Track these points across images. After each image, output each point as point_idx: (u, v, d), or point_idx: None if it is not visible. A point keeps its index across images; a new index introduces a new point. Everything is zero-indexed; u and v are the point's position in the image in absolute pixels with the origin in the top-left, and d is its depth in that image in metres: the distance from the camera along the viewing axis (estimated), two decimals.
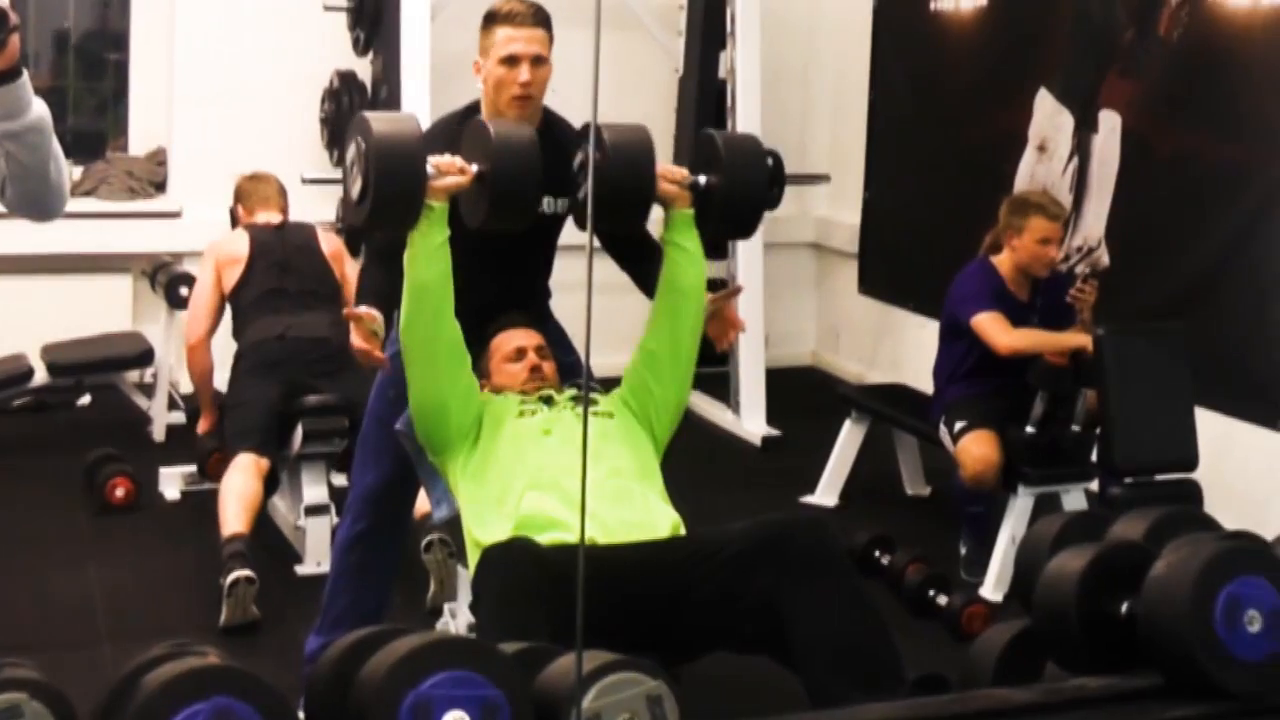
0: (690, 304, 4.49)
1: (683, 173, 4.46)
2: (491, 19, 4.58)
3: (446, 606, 4.80)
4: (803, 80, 10.04)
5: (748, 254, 8.41)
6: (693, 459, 4.74)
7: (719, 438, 8.38)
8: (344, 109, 8.49)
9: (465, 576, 4.28)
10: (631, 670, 2.51)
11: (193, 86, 8.85)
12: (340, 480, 6.31)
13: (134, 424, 7.87)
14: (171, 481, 6.98)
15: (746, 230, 4.72)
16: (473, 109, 4.67)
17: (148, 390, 7.99)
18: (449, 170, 4.16)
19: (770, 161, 8.43)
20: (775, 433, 8.21)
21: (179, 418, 7.87)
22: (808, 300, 10.17)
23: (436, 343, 4.25)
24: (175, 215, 8.85)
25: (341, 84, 8.57)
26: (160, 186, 9.04)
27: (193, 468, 6.91)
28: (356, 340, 4.31)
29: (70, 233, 7.39)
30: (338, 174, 8.32)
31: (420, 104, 7.83)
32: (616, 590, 3.74)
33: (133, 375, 8.13)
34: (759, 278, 8.46)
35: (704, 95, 8.92)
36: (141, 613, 5.71)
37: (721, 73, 8.86)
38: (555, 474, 4.11)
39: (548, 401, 4.41)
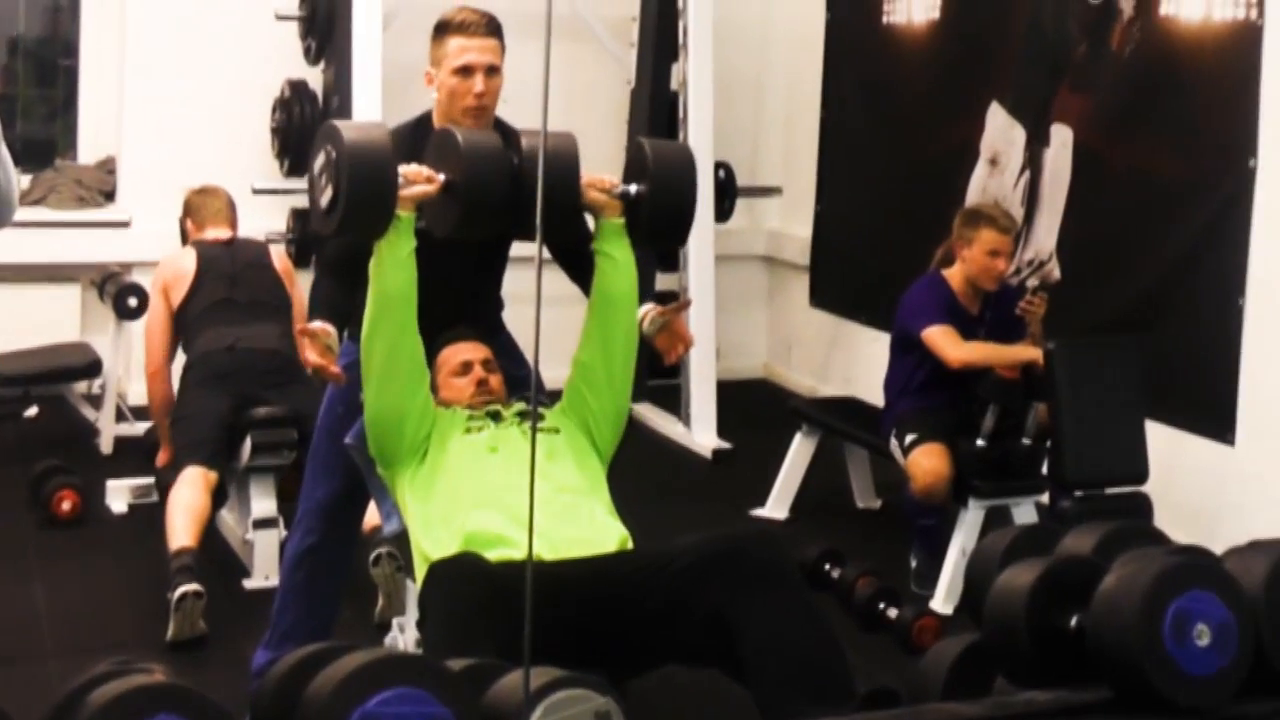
0: (621, 314, 4.45)
1: (611, 181, 4.42)
2: (444, 29, 4.57)
3: (395, 621, 4.77)
4: (755, 93, 10.05)
5: (699, 266, 8.44)
6: (643, 471, 4.74)
7: (670, 450, 8.37)
8: (295, 119, 8.46)
9: (414, 591, 4.26)
10: (580, 687, 2.50)
11: (143, 95, 8.81)
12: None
13: (81, 436, 7.82)
14: (119, 494, 6.93)
15: (677, 239, 4.65)
16: (424, 120, 4.66)
17: (95, 401, 7.94)
18: (416, 179, 4.15)
19: (721, 174, 8.50)
20: (726, 445, 8.21)
21: (127, 429, 7.81)
22: (759, 313, 10.17)
23: (399, 354, 4.24)
24: (124, 225, 8.81)
25: (293, 93, 8.54)
26: (110, 196, 9.00)
27: (141, 481, 6.86)
28: (311, 356, 4.28)
29: (18, 242, 7.34)
30: (288, 184, 8.35)
31: (372, 114, 7.81)
32: (565, 605, 3.73)
33: (80, 386, 8.08)
34: (710, 290, 8.48)
35: (656, 107, 8.96)
36: (88, 628, 5.66)
37: (674, 85, 8.89)
38: (501, 492, 4.10)
39: (495, 417, 4.40)
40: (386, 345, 4.22)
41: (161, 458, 6.64)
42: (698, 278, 8.42)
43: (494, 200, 4.16)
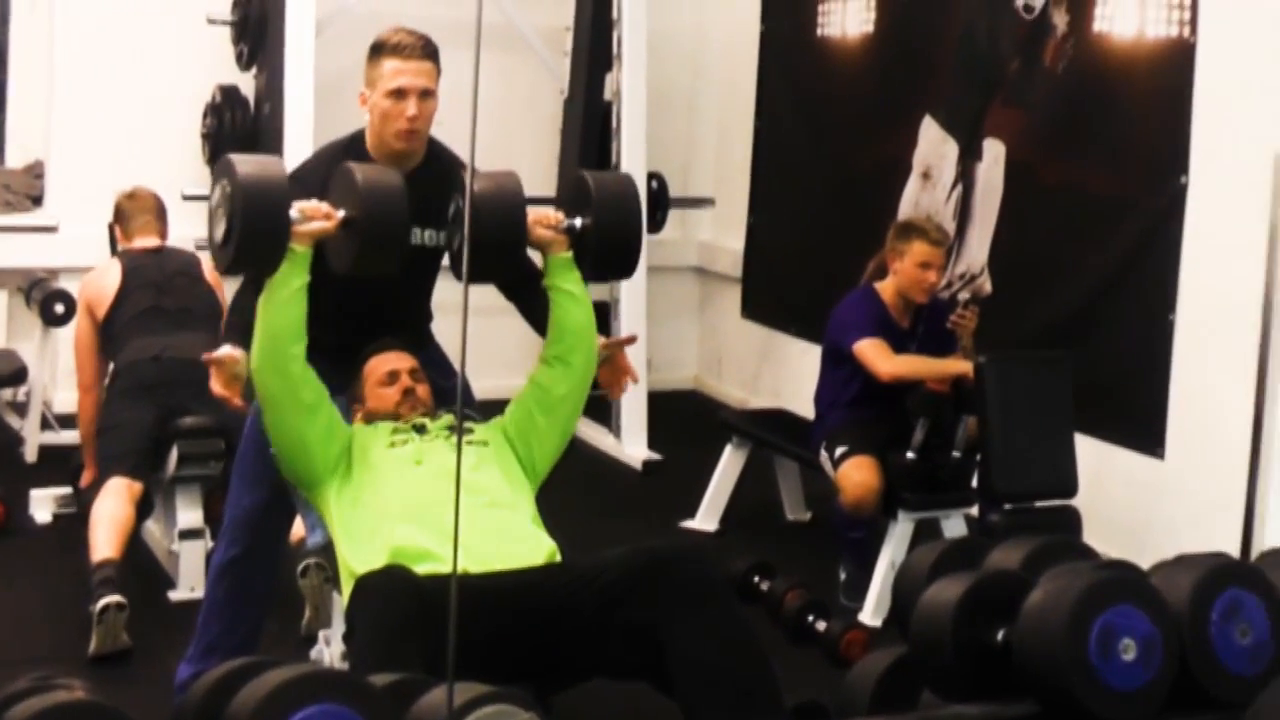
0: (581, 345, 4.49)
1: (557, 217, 4.46)
2: (379, 50, 4.55)
3: (321, 634, 4.74)
4: (689, 104, 10.05)
5: (631, 277, 8.40)
6: (573, 483, 4.73)
7: (600, 461, 8.36)
8: (226, 124, 8.42)
9: (340, 603, 4.23)
10: (504, 702, 2.49)
11: (72, 99, 8.75)
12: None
13: (5, 444, 7.76)
14: (43, 504, 6.87)
15: (625, 270, 4.67)
16: (356, 140, 4.64)
17: (20, 409, 7.88)
18: (315, 215, 4.14)
19: (654, 185, 8.50)
20: (656, 457, 8.20)
21: (53, 438, 7.75)
22: (690, 324, 10.17)
23: (289, 385, 4.22)
24: (52, 230, 8.73)
25: (224, 99, 8.49)
26: (37, 200, 8.93)
27: (65, 490, 6.81)
28: (215, 385, 4.28)
29: None
30: None
31: (304, 120, 7.79)
32: (492, 618, 3.72)
33: (5, 394, 8.02)
34: (642, 301, 8.49)
35: (589, 117, 8.93)
36: (9, 641, 5.59)
37: (607, 95, 8.87)
38: (427, 505, 4.08)
39: (420, 430, 4.39)
40: (276, 378, 4.21)
41: (86, 478, 6.56)
42: (629, 288, 8.42)
43: (391, 239, 4.16)
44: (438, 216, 4.57)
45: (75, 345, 6.66)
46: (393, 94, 4.48)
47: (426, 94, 4.51)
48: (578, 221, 4.44)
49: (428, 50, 4.55)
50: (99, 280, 6.56)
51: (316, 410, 4.26)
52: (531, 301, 4.66)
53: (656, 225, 8.89)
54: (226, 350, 4.32)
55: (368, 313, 4.61)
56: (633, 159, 8.52)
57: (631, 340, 5.01)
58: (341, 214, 4.14)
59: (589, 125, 8.93)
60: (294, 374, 4.20)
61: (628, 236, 4.52)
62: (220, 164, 4.14)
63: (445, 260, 4.68)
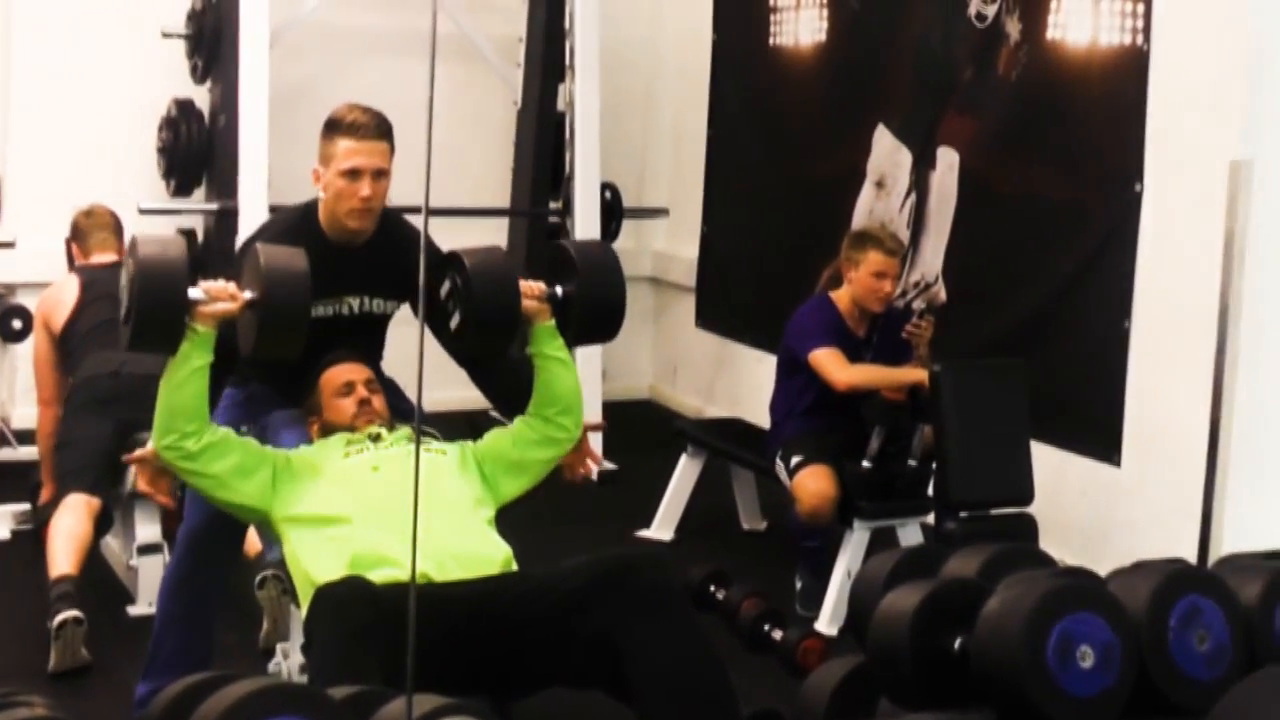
0: (572, 408, 4.60)
1: (540, 287, 4.52)
2: (333, 128, 4.56)
3: (279, 646, 4.74)
4: (642, 113, 10.08)
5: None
6: (529, 491, 4.74)
7: (554, 470, 8.31)
8: (182, 138, 8.40)
9: (298, 616, 4.23)
10: (463, 714, 2.49)
11: (27, 113, 8.72)
12: None
13: None
14: (1, 521, 6.85)
15: (608, 334, 4.77)
16: (310, 210, 4.66)
17: None
18: (219, 296, 4.14)
19: (608, 195, 8.53)
20: (611, 466, 8.20)
21: (10, 454, 7.72)
22: (645, 334, 10.17)
23: (191, 464, 4.23)
24: (9, 245, 8.67)
25: (179, 112, 8.47)
26: None
27: (23, 506, 6.79)
28: (141, 484, 4.30)
29: None
30: (175, 204, 8.32)
31: (259, 132, 7.78)
32: (450, 628, 3.73)
33: None
34: None
35: (543, 128, 8.95)
36: None
37: (561, 105, 8.88)
38: (385, 510, 4.10)
39: (376, 439, 4.40)
40: (177, 456, 4.23)
41: (44, 494, 6.53)
42: None
43: (291, 324, 4.17)
44: (388, 285, 4.67)
45: (34, 361, 6.64)
46: (347, 174, 4.50)
47: (380, 173, 4.54)
48: (559, 289, 4.53)
49: (382, 129, 4.56)
50: (56, 295, 6.54)
51: (224, 458, 4.25)
52: (489, 378, 4.81)
53: (611, 235, 8.90)
54: (149, 448, 4.33)
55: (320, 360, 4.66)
56: (586, 169, 8.53)
57: (600, 426, 5.06)
58: (247, 295, 4.15)
59: (543, 136, 8.95)
60: (189, 446, 4.20)
61: (611, 303, 4.64)
62: (130, 242, 4.17)
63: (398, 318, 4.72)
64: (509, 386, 4.73)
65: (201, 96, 8.55)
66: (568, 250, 4.64)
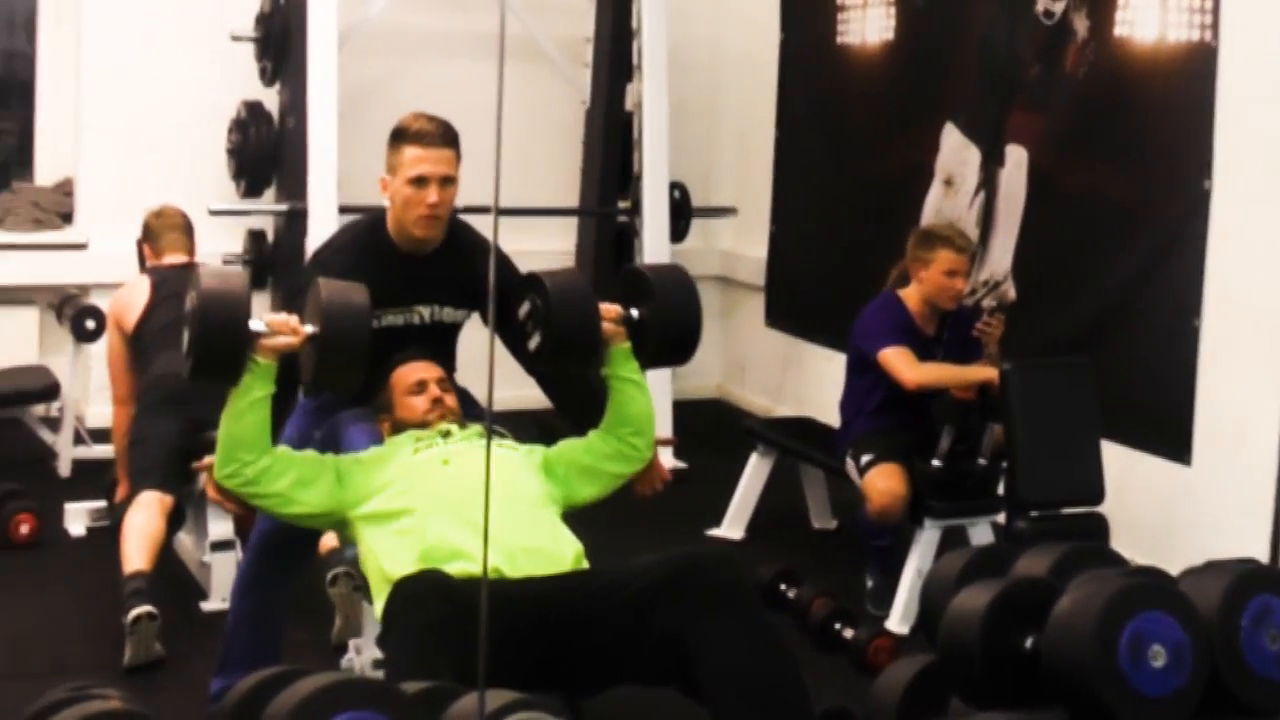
0: (645, 430, 4.59)
1: (617, 310, 4.51)
2: (400, 137, 4.59)
3: (351, 642, 4.76)
4: (710, 113, 10.07)
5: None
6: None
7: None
8: (251, 139, 8.45)
9: (369, 611, 4.25)
10: (535, 709, 2.50)
11: (100, 117, 8.79)
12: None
13: (39, 459, 7.79)
14: (77, 518, 6.91)
15: (684, 357, 4.76)
16: (378, 221, 4.69)
17: (53, 424, 7.91)
18: (281, 329, 4.15)
19: (676, 194, 8.53)
20: (682, 465, 8.19)
21: (85, 452, 7.78)
22: (714, 333, 10.11)
23: (252, 490, 4.25)
24: (82, 247, 8.78)
25: (249, 114, 8.52)
26: (67, 218, 8.97)
27: (99, 504, 6.84)
28: (210, 492, 4.32)
29: None
30: (244, 205, 8.37)
31: (327, 133, 7.82)
32: (522, 624, 3.74)
33: (38, 409, 8.05)
34: None
35: (611, 128, 8.97)
36: (45, 652, 5.63)
37: (628, 105, 8.89)
38: (457, 502, 4.11)
39: (446, 436, 4.41)
40: (238, 484, 4.24)
41: (120, 492, 6.58)
42: None
43: (349, 360, 4.17)
44: (458, 293, 4.72)
45: (108, 361, 6.69)
46: (413, 181, 4.53)
47: (447, 180, 4.57)
48: (635, 312, 4.53)
49: (448, 137, 4.59)
50: (127, 295, 6.59)
51: (283, 476, 4.25)
52: (561, 392, 4.92)
53: (679, 235, 8.93)
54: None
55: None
56: (655, 169, 8.55)
57: (671, 441, 5.06)
58: (308, 329, 4.16)
59: (611, 135, 8.96)
60: (251, 476, 4.22)
61: (687, 327, 4.64)
62: (194, 275, 4.17)
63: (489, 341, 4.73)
64: (580, 401, 4.75)
65: (270, 98, 8.59)
66: (643, 274, 4.65)
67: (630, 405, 4.54)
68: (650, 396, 4.62)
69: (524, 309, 4.46)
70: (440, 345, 4.81)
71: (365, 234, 4.69)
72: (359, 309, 4.17)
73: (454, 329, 4.83)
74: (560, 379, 4.83)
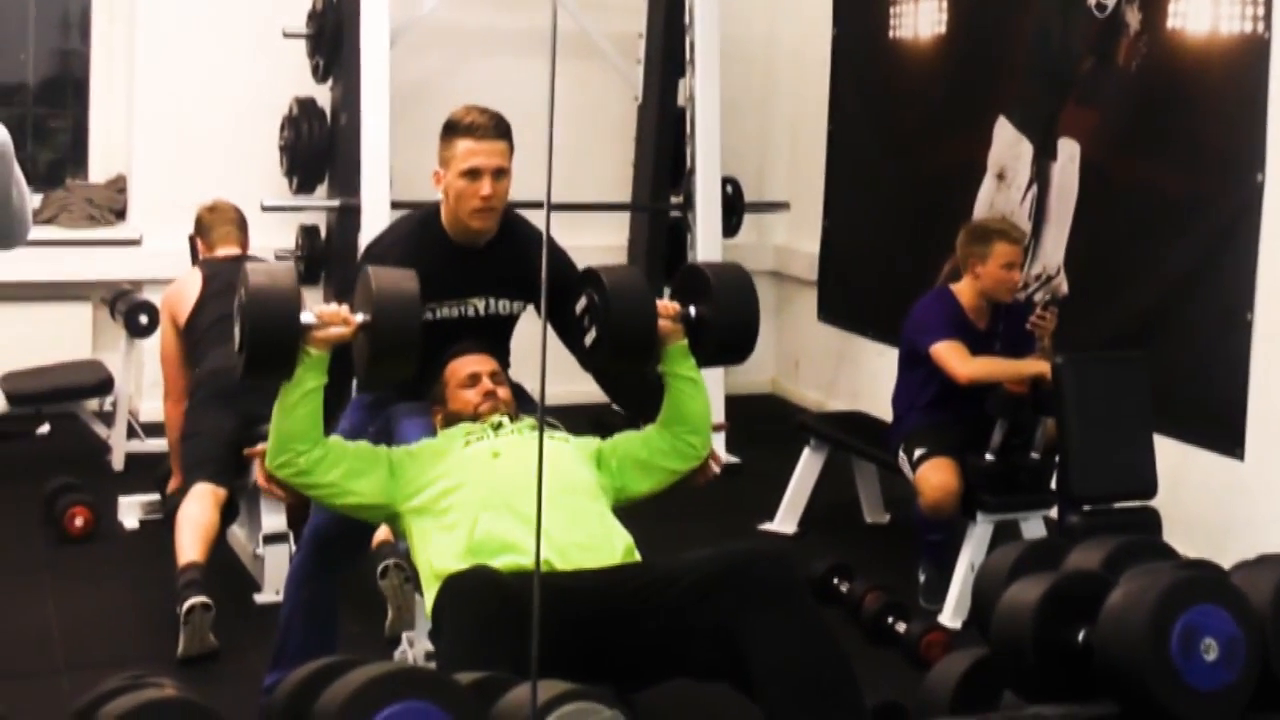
0: (701, 428, 4.56)
1: (674, 307, 4.50)
2: (452, 130, 4.60)
3: (404, 635, 4.78)
4: (762, 108, 10.07)
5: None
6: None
7: None
8: (303, 136, 8.49)
9: (421, 604, 4.27)
10: (588, 700, 2.51)
11: (153, 113, 8.84)
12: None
13: (93, 453, 7.84)
14: (131, 511, 6.96)
15: (742, 355, 4.71)
16: (432, 214, 4.71)
17: (107, 419, 7.95)
18: (332, 320, 4.15)
19: (729, 189, 8.53)
20: (734, 460, 8.19)
21: (139, 446, 7.83)
22: (767, 328, 9.93)
23: (305, 480, 4.24)
24: (135, 243, 8.83)
25: (301, 111, 8.56)
26: (120, 214, 9.02)
27: (152, 497, 6.89)
28: (261, 480, 4.33)
29: (30, 260, 7.35)
30: (297, 201, 8.40)
31: (380, 129, 7.84)
32: (574, 617, 3.74)
33: (92, 404, 8.09)
34: None
35: (663, 123, 8.99)
36: (100, 643, 5.68)
37: (681, 100, 8.90)
38: (507, 495, 4.11)
39: (497, 428, 4.42)
40: (291, 474, 4.24)
41: (173, 484, 6.63)
42: None
43: (401, 348, 4.16)
44: (512, 285, 4.72)
45: (161, 355, 6.73)
46: (467, 174, 4.55)
47: (500, 172, 4.58)
48: (693, 310, 4.51)
49: (500, 129, 4.60)
50: (180, 289, 6.63)
51: (336, 466, 4.26)
52: (617, 386, 4.96)
53: (732, 230, 8.96)
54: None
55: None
56: (708, 164, 8.55)
57: (723, 426, 5.05)
58: (359, 318, 4.16)
59: (663, 131, 8.97)
60: (304, 467, 4.22)
61: (745, 326, 4.61)
62: (241, 271, 4.15)
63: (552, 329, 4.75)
64: (637, 393, 4.77)
65: (323, 95, 8.62)
66: (703, 272, 4.62)
67: (687, 403, 4.52)
68: (707, 394, 4.61)
69: (581, 304, 4.47)
70: (495, 338, 4.82)
71: (419, 227, 4.71)
72: (410, 296, 4.17)
73: (509, 321, 4.84)
74: (617, 374, 4.83)
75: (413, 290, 4.18)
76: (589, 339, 4.45)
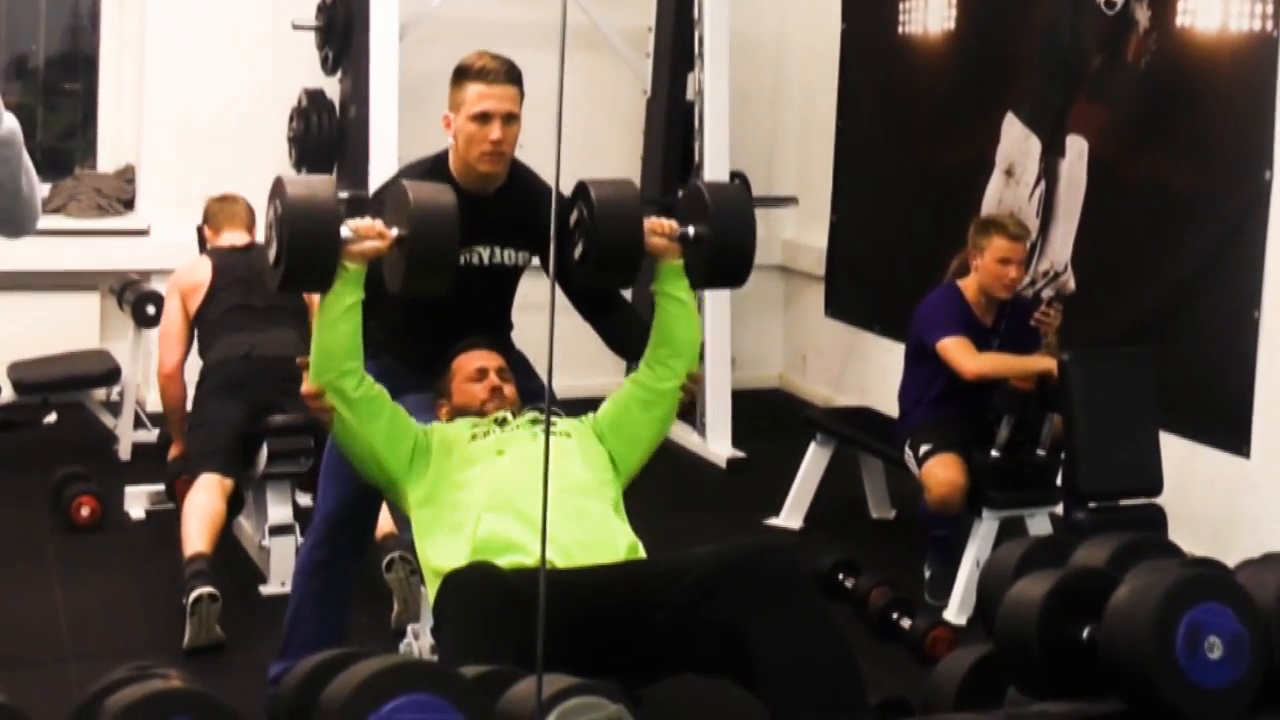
0: (687, 350, 4.54)
1: (671, 224, 4.49)
2: (463, 74, 4.58)
3: (410, 627, 4.79)
4: (771, 103, 10.07)
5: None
6: (658, 480, 4.77)
7: (684, 459, 8.37)
8: (312, 128, 8.49)
9: (427, 596, 4.27)
10: (592, 694, 2.51)
11: (162, 104, 8.85)
12: (305, 500, 6.32)
13: (100, 442, 7.85)
14: (137, 501, 6.97)
15: (737, 279, 4.68)
16: (441, 159, 4.68)
17: (114, 408, 7.96)
18: (368, 234, 4.15)
19: (737, 183, 8.53)
20: (741, 455, 8.22)
21: (145, 436, 7.84)
22: (775, 322, 10.20)
23: (346, 400, 4.23)
24: (143, 233, 8.84)
25: (310, 102, 8.57)
26: (129, 204, 9.03)
27: (159, 487, 6.90)
28: (307, 387, 4.32)
29: (38, 250, 7.37)
30: None
31: (388, 122, 7.85)
32: (578, 614, 3.73)
33: (99, 393, 8.11)
34: (726, 299, 8.55)
35: (672, 117, 9.00)
36: (106, 633, 5.69)
37: (690, 95, 8.91)
38: (511, 494, 4.11)
39: (501, 423, 4.41)
40: (333, 394, 4.22)
41: (173, 452, 6.72)
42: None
43: (441, 259, 4.16)
44: (518, 236, 4.67)
45: (162, 329, 6.75)
46: (477, 118, 4.52)
47: (510, 118, 4.55)
48: (691, 230, 4.49)
49: (511, 75, 4.58)
50: (192, 273, 6.65)
51: (377, 417, 4.27)
52: (611, 323, 4.80)
53: None
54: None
55: (449, 326, 4.65)
56: (716, 158, 8.57)
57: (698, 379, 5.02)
58: (395, 232, 4.16)
59: (672, 125, 8.98)
60: (348, 389, 4.22)
61: (743, 247, 4.56)
62: (274, 185, 4.15)
63: (533, 261, 4.72)
64: (628, 334, 4.74)
65: (332, 87, 8.64)
66: (701, 191, 4.60)
67: (673, 324, 4.51)
68: (696, 320, 4.59)
69: (572, 219, 4.45)
70: (499, 291, 4.81)
71: (427, 173, 4.62)
72: (447, 207, 4.16)
73: (513, 273, 4.79)
74: (607, 309, 4.79)
75: (450, 201, 4.18)
76: (577, 252, 4.44)
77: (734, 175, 8.78)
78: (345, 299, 4.16)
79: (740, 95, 8.94)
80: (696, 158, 8.68)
